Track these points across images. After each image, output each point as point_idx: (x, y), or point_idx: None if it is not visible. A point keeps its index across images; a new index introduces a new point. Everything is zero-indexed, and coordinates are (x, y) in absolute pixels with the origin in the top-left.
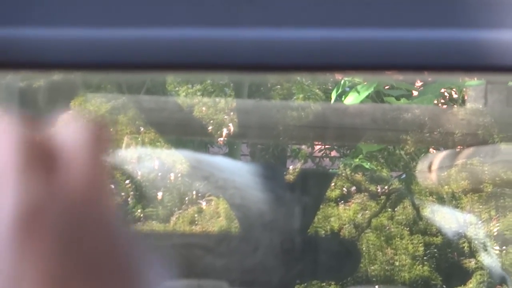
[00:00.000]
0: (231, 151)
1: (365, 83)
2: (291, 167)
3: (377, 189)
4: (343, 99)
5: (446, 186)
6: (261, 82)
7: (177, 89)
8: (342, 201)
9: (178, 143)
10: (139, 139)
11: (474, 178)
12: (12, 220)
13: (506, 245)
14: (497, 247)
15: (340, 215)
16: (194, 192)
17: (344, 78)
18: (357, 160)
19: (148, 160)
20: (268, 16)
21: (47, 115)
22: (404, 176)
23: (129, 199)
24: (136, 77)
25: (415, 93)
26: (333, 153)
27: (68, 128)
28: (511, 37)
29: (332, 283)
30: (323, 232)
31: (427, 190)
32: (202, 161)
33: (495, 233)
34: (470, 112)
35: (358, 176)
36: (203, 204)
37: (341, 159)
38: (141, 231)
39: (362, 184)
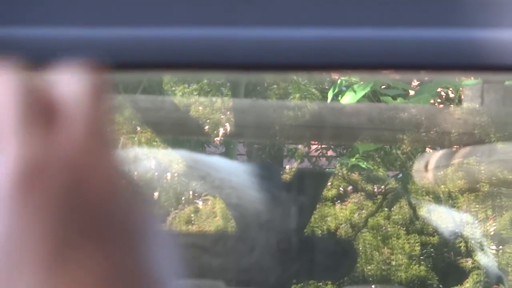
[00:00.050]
0: (228, 151)
1: (362, 82)
2: (287, 166)
3: (374, 188)
4: (339, 98)
5: (442, 186)
6: (257, 81)
7: (173, 88)
8: (339, 201)
9: (175, 142)
10: (136, 138)
11: (471, 178)
12: (12, 176)
13: (503, 245)
14: (494, 247)
15: (336, 215)
16: (190, 192)
17: (340, 78)
18: (354, 159)
19: (144, 159)
20: (264, 16)
21: (47, 68)
22: (400, 175)
23: None
24: (132, 76)
25: (411, 92)
26: (330, 153)
27: (68, 80)
28: (508, 37)
29: (329, 282)
30: (320, 231)
31: (424, 189)
32: (199, 160)
33: (492, 233)
34: (467, 111)
35: (355, 176)
36: (200, 203)
37: (338, 158)
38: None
39: (359, 183)
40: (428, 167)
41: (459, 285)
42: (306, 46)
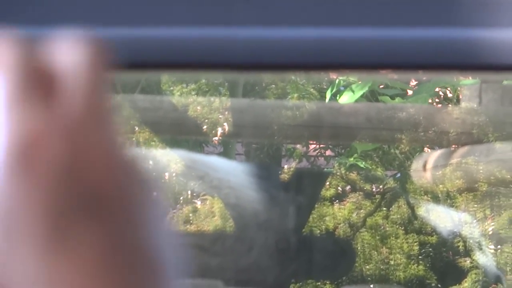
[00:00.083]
0: (226, 150)
1: (360, 82)
2: (286, 166)
3: (372, 188)
4: (337, 98)
5: (441, 185)
6: (255, 81)
7: (171, 88)
8: (337, 201)
9: (173, 142)
10: (134, 138)
11: (469, 177)
12: (10, 150)
13: (501, 244)
14: (492, 246)
15: (335, 215)
16: (189, 192)
17: (338, 77)
18: (352, 159)
19: (142, 159)
20: (263, 15)
21: (45, 37)
22: (399, 175)
23: None
24: (131, 76)
25: (409, 92)
26: (328, 152)
27: (66, 52)
28: (506, 36)
29: (327, 282)
30: (318, 231)
31: (422, 189)
32: (197, 160)
33: (490, 232)
34: (465, 111)
35: (353, 175)
36: (198, 203)
37: (336, 158)
38: None
39: (357, 183)
40: (427, 166)
41: (457, 284)
42: (304, 46)
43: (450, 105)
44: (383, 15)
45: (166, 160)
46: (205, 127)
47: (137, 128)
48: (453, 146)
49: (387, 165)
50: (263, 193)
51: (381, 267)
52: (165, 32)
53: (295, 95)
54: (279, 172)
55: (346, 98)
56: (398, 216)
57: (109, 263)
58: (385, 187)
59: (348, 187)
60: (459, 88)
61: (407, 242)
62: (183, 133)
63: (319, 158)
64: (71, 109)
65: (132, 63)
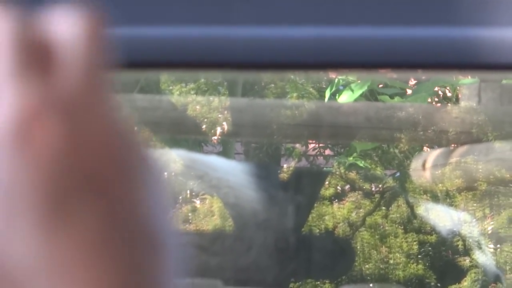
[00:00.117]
0: (225, 150)
1: (359, 81)
2: (285, 165)
3: (371, 187)
4: (337, 97)
5: (440, 184)
6: (255, 80)
7: (171, 87)
8: (336, 200)
9: (172, 142)
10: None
11: (468, 176)
12: (8, 124)
13: (501, 243)
14: (492, 245)
15: (334, 214)
16: (188, 191)
17: (338, 77)
18: (351, 158)
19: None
20: (262, 15)
21: (42, 11)
22: (398, 174)
23: None
24: (130, 75)
25: (409, 91)
26: (327, 152)
27: (63, 24)
28: (505, 35)
29: (327, 281)
30: (317, 230)
31: (421, 188)
32: (196, 160)
33: (490, 231)
34: (464, 110)
35: (352, 175)
36: (197, 203)
37: (335, 157)
38: None
39: (356, 182)
40: (426, 166)
41: (457, 283)
42: (303, 45)
43: (449, 104)
44: (382, 14)
45: (165, 160)
46: (204, 126)
47: (136, 128)
48: (452, 145)
49: (387, 164)
50: (263, 192)
51: (381, 266)
52: (164, 31)
53: (294, 94)
54: (278, 172)
55: (345, 98)
56: (398, 215)
57: (108, 240)
58: (384, 186)
59: (347, 187)
60: (458, 87)
61: (406, 241)
62: (182, 132)
63: (319, 157)
64: (69, 84)
65: (131, 63)
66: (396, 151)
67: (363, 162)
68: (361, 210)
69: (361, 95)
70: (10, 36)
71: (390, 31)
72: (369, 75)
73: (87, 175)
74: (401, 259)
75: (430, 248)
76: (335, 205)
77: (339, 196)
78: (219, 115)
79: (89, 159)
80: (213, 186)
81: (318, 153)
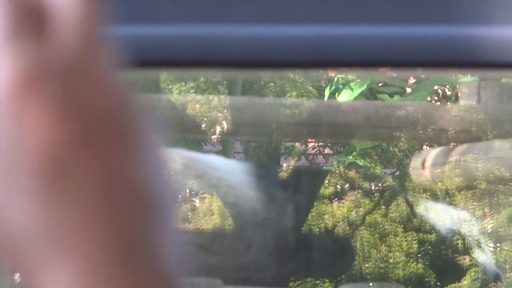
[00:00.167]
0: (225, 149)
1: (358, 80)
2: (284, 164)
3: (371, 186)
4: (336, 96)
5: (439, 183)
6: (254, 79)
7: (170, 86)
8: (336, 199)
9: (171, 141)
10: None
11: (468, 175)
12: (6, 88)
13: (500, 242)
14: (491, 244)
15: (334, 213)
16: (187, 190)
17: (337, 75)
18: (351, 157)
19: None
20: (261, 13)
21: None
22: (397, 173)
23: None
24: (129, 75)
25: (408, 90)
26: (327, 151)
27: None
28: (504, 34)
29: (326, 280)
30: (317, 229)
31: (421, 187)
32: (195, 159)
33: (489, 230)
34: (464, 109)
35: (352, 174)
36: (197, 201)
37: (335, 156)
38: None
39: (356, 181)
40: (425, 164)
41: (456, 282)
42: (302, 43)
43: (448, 103)
44: (382, 12)
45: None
46: (203, 125)
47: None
48: (452, 144)
49: (386, 163)
50: (262, 191)
51: (380, 265)
52: (163, 30)
53: (294, 93)
54: (278, 171)
55: (344, 96)
56: (397, 214)
57: (106, 204)
58: (384, 185)
59: (347, 185)
60: (457, 85)
61: (406, 240)
62: (181, 131)
63: (318, 156)
64: (65, 46)
65: (130, 61)
66: (396, 149)
67: (362, 161)
68: (360, 209)
69: (360, 94)
70: (5, 0)
71: (389, 30)
72: (369, 73)
73: (84, 138)
74: (400, 258)
75: (429, 247)
76: (335, 204)
77: (338, 195)
78: (219, 114)
79: (86, 122)
80: (212, 185)
81: (318, 152)
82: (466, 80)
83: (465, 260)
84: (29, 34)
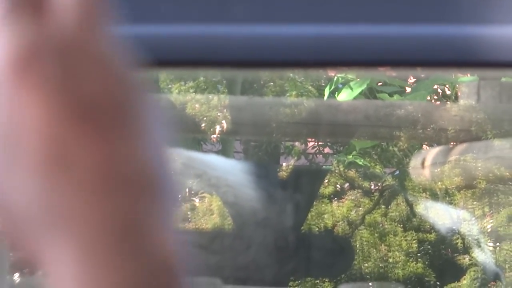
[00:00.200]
0: (224, 148)
1: (358, 79)
2: (284, 164)
3: (371, 185)
4: (336, 95)
5: (439, 183)
6: (254, 79)
7: (170, 86)
8: (336, 198)
9: (172, 138)
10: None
11: (468, 174)
12: (5, 65)
13: (500, 242)
14: (491, 244)
15: (333, 212)
16: (187, 190)
17: (337, 75)
18: (351, 156)
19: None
20: (261, 13)
21: None
22: (397, 172)
23: None
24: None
25: (408, 89)
26: (327, 150)
27: None
28: (504, 33)
29: (326, 280)
30: (317, 229)
31: (421, 186)
32: (195, 159)
33: (489, 230)
34: (463, 108)
35: (352, 173)
36: (196, 201)
37: (335, 155)
38: None
39: (356, 180)
40: (425, 164)
41: (456, 282)
42: (302, 43)
43: (448, 102)
44: (382, 12)
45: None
46: (203, 125)
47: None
48: (452, 143)
49: (386, 162)
50: (262, 191)
51: (380, 264)
52: (163, 29)
53: (294, 92)
54: (278, 170)
55: (344, 96)
56: (397, 214)
57: (106, 182)
58: (383, 185)
59: (346, 185)
60: (457, 85)
61: (405, 240)
62: (181, 131)
63: (318, 155)
64: (64, 23)
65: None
66: (395, 149)
67: (362, 160)
68: (360, 208)
69: (360, 93)
70: None
71: (389, 29)
72: (368, 73)
73: (84, 112)
74: (400, 258)
75: (429, 247)
76: (335, 203)
77: (338, 195)
78: (218, 114)
79: (84, 101)
80: (212, 185)
81: (317, 151)
82: (466, 79)
83: (465, 260)
84: (27, 12)
